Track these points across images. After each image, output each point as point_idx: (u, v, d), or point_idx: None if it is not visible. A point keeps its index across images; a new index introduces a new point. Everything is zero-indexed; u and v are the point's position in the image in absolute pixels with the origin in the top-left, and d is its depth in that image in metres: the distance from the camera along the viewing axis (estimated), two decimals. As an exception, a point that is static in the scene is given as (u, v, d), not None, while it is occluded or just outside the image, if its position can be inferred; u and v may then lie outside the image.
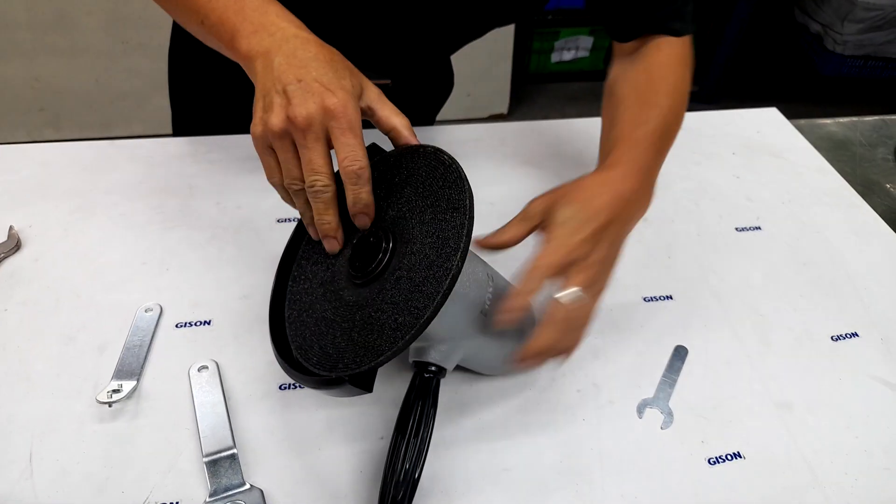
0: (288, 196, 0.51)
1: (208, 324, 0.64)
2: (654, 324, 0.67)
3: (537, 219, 0.54)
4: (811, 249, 0.77)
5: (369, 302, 0.46)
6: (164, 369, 0.60)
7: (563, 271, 0.50)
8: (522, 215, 0.55)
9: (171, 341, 0.62)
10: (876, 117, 1.06)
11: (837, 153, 0.97)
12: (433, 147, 0.50)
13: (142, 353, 0.60)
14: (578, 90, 2.84)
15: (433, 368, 0.50)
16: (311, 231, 0.53)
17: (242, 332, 0.63)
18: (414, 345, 0.51)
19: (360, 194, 0.48)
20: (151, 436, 0.55)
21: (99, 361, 0.60)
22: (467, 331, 0.51)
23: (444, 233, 0.44)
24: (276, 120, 0.47)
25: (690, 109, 0.77)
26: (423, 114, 1.01)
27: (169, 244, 0.71)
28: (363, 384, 0.44)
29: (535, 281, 0.49)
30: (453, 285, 0.42)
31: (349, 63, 0.52)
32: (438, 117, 1.07)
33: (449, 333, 0.50)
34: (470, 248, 0.46)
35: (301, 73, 0.48)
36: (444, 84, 1.03)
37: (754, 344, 0.66)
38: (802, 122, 1.01)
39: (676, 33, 0.73)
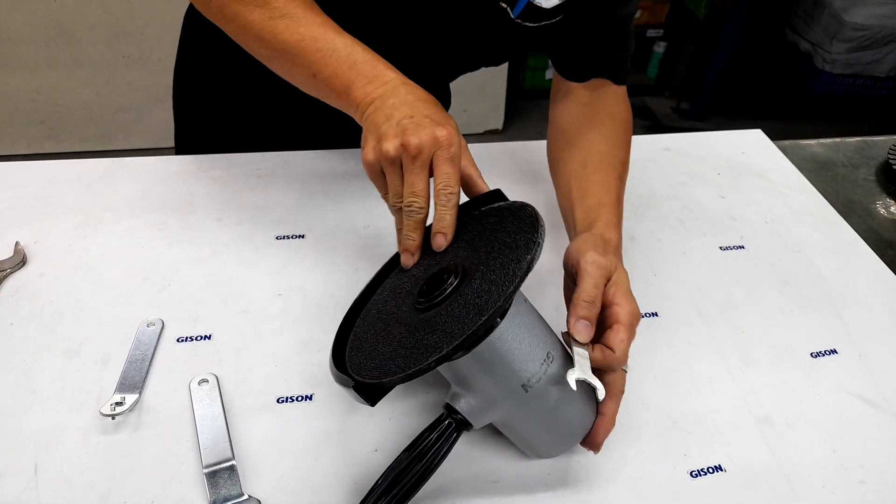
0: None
1: (209, 338, 0.66)
2: (639, 340, 0.68)
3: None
4: (792, 268, 0.80)
5: (414, 328, 0.48)
6: (165, 383, 0.61)
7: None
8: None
9: (172, 355, 0.64)
10: (858, 138, 1.09)
11: (820, 174, 1.00)
12: (534, 211, 0.52)
13: (144, 366, 0.62)
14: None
15: (458, 417, 0.50)
16: (400, 246, 0.57)
17: (242, 346, 0.65)
18: (453, 387, 0.52)
19: (446, 215, 0.53)
20: (153, 447, 0.56)
21: (102, 375, 0.61)
22: (502, 398, 0.50)
23: (493, 292, 0.46)
24: (391, 146, 0.52)
25: (681, 128, 0.80)
26: None
27: (170, 260, 0.73)
28: (367, 396, 0.46)
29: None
30: (456, 351, 0.43)
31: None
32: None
33: (479, 391, 0.50)
34: (542, 322, 0.51)
35: (412, 110, 0.54)
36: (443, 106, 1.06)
37: (736, 360, 0.68)
38: (787, 142, 1.04)
39: (623, 81, 0.80)
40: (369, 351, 0.51)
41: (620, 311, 0.53)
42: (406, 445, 0.50)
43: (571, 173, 0.73)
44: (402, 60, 0.79)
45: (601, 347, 0.52)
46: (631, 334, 0.54)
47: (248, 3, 0.61)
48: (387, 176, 0.55)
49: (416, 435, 0.50)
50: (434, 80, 0.94)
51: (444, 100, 1.05)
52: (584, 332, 0.51)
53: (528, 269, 0.46)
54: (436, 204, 0.53)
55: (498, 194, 0.59)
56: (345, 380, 0.48)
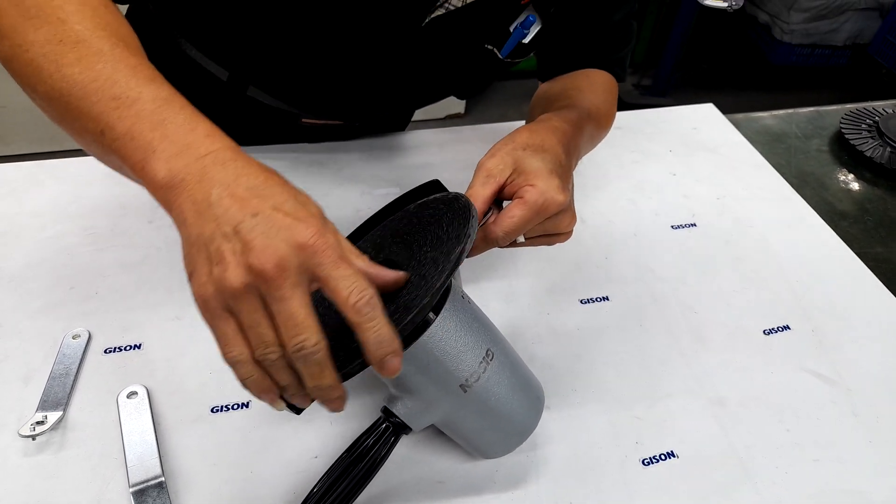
0: (256, 372, 0.39)
1: (138, 347, 0.62)
2: (590, 326, 0.67)
3: (503, 175, 0.53)
4: (744, 244, 0.79)
5: (341, 332, 0.45)
6: (91, 397, 0.58)
7: (555, 216, 0.53)
8: (484, 176, 0.53)
9: (99, 368, 0.60)
10: (811, 109, 1.08)
11: (773, 146, 0.98)
12: (467, 201, 0.48)
13: (68, 381, 0.59)
14: (535, 87, 2.85)
15: (396, 420, 0.48)
16: (297, 400, 0.41)
17: (174, 354, 0.62)
18: (390, 390, 0.49)
19: (381, 331, 0.38)
20: (78, 467, 0.53)
21: (23, 393, 0.58)
22: (439, 399, 0.48)
23: (423, 291, 0.42)
24: (235, 274, 0.36)
25: (643, 105, 0.78)
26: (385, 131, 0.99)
27: (99, 266, 0.70)
28: (290, 405, 0.43)
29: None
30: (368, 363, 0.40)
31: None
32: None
33: (417, 392, 0.48)
34: (481, 318, 0.48)
35: (255, 204, 0.38)
36: (401, 121, 1.01)
37: (689, 342, 0.67)
38: (739, 116, 1.03)
39: (619, 77, 0.76)
40: None
41: (529, 190, 0.51)
42: (339, 457, 0.47)
43: (533, 114, 0.69)
44: (375, 97, 0.75)
45: (495, 218, 0.51)
46: (528, 213, 0.51)
47: (33, 16, 0.43)
48: (241, 317, 0.37)
49: (349, 445, 0.48)
50: (404, 111, 0.90)
51: (406, 119, 1.00)
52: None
53: (456, 264, 0.43)
54: (358, 325, 0.37)
55: (436, 185, 0.56)
56: None
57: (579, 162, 0.68)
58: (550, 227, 0.54)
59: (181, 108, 0.42)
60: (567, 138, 0.58)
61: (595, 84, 0.73)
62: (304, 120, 0.81)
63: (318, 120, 0.81)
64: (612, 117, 0.73)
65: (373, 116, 0.87)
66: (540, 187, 0.51)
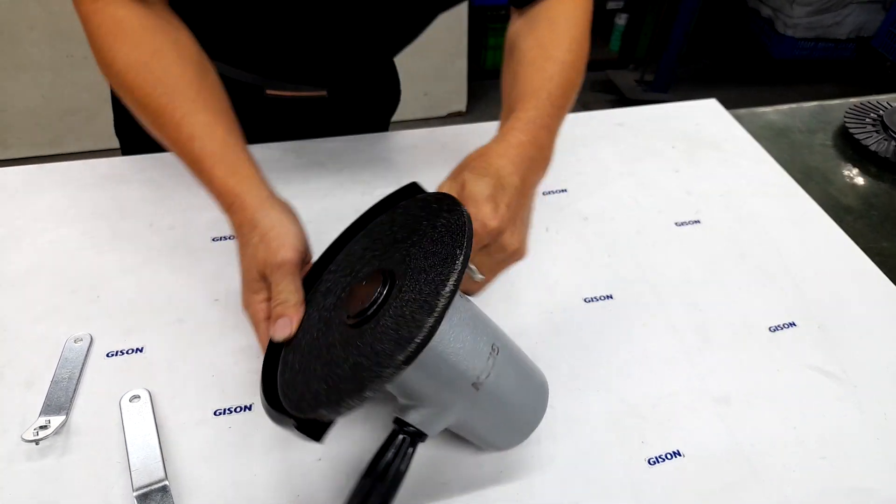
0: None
1: (140, 351, 0.62)
2: (594, 325, 0.67)
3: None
4: (749, 240, 0.78)
5: (350, 346, 0.44)
6: (94, 401, 0.58)
7: (494, 241, 0.52)
8: None
9: (101, 371, 0.60)
10: (815, 103, 1.08)
11: (777, 141, 0.98)
12: (454, 200, 0.48)
13: (71, 385, 0.59)
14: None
15: (411, 430, 0.47)
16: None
17: (176, 357, 0.62)
18: (400, 400, 0.49)
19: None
20: (81, 472, 0.53)
21: (26, 397, 0.58)
22: (454, 401, 0.47)
23: (427, 297, 0.41)
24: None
25: (646, 101, 0.76)
26: (372, 122, 0.98)
27: (100, 270, 0.69)
28: (311, 433, 0.43)
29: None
30: (402, 368, 0.39)
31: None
32: (397, 117, 1.05)
33: (430, 399, 0.47)
34: (481, 315, 0.47)
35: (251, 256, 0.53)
36: (389, 92, 1.00)
37: (693, 339, 0.66)
38: (742, 111, 1.02)
39: None
40: (302, 377, 0.46)
41: None
42: (365, 467, 0.46)
43: (504, 89, 0.67)
44: (348, 27, 0.71)
45: None
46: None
47: (141, 71, 0.60)
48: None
49: (374, 453, 0.47)
50: (379, 52, 0.88)
51: (391, 81, 1.00)
52: None
53: (462, 270, 0.42)
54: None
55: (415, 188, 0.55)
56: (281, 419, 0.44)
57: (579, 158, 0.67)
58: (496, 251, 0.53)
59: (225, 165, 0.57)
60: (524, 150, 0.57)
61: (558, 33, 0.69)
62: (268, 92, 0.79)
63: (282, 92, 0.80)
64: (584, 59, 0.69)
65: (338, 77, 0.84)
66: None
